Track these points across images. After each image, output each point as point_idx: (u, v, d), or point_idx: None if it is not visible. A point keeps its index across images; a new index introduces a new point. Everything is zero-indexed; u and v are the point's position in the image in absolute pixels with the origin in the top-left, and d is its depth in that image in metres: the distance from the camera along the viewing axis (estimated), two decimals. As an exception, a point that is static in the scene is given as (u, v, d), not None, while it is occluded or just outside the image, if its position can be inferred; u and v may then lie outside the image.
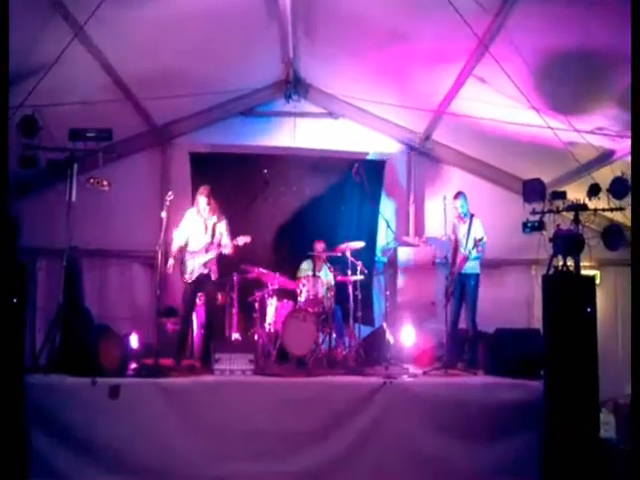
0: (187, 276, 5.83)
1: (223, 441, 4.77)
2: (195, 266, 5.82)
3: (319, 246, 6.80)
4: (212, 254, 5.82)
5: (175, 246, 5.94)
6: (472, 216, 6.34)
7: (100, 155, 5.82)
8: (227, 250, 5.84)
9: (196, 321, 6.57)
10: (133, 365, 5.52)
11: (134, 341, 6.11)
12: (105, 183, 5.85)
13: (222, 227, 5.94)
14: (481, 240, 6.01)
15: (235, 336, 6.21)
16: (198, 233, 5.93)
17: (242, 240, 5.80)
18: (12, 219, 4.78)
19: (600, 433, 4.74)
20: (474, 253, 6.06)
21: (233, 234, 5.97)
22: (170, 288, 7.24)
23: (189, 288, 5.90)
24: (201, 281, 5.87)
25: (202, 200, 5.90)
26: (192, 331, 6.52)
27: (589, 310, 4.79)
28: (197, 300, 6.66)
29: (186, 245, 5.94)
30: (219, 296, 6.22)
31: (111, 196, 6.31)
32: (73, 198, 5.60)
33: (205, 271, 5.84)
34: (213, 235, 5.90)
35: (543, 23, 4.53)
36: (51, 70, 5.10)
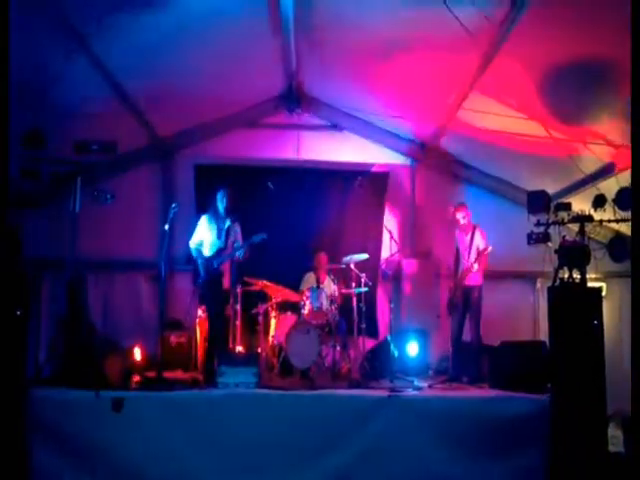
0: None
1: (226, 454, 4.72)
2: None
3: (321, 257, 6.78)
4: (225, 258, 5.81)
5: (192, 245, 5.95)
6: (474, 227, 6.31)
7: (104, 168, 5.85)
8: (240, 254, 5.79)
9: (199, 334, 6.54)
10: (136, 378, 5.48)
11: (137, 354, 6.08)
12: (109, 196, 5.86)
13: (236, 228, 5.92)
14: (484, 251, 5.97)
15: (239, 349, 6.18)
16: (212, 237, 5.91)
17: (258, 237, 5.75)
18: (15, 231, 4.78)
19: (608, 447, 4.67)
20: (476, 266, 6.01)
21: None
22: (174, 300, 7.23)
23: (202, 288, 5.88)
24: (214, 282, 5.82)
25: (221, 201, 5.89)
26: (196, 344, 6.49)
27: (595, 322, 4.74)
28: (202, 313, 6.65)
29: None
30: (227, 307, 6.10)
31: (115, 208, 6.31)
32: (77, 210, 5.60)
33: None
34: (227, 238, 5.88)
35: (547, 34, 4.53)
36: (55, 83, 5.14)
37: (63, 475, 4.51)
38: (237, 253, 5.76)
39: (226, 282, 5.93)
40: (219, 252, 5.84)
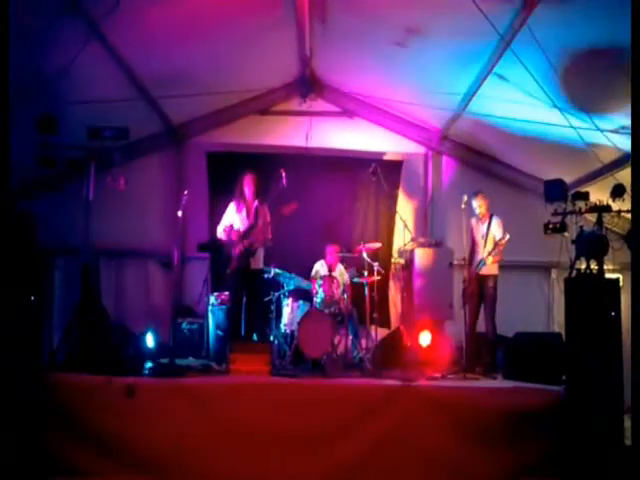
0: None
1: (238, 441, 4.72)
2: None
3: (332, 245, 6.72)
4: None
5: (220, 230, 6.05)
6: (491, 216, 6.21)
7: (117, 154, 5.83)
8: (269, 235, 5.90)
9: (212, 321, 6.55)
10: (149, 364, 5.50)
11: (150, 340, 6.10)
12: (122, 182, 5.84)
13: (265, 209, 6.00)
14: (502, 240, 5.87)
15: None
16: (241, 219, 6.00)
17: (288, 208, 5.78)
18: (29, 217, 4.79)
19: (624, 440, 4.62)
20: (490, 259, 5.93)
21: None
22: (186, 287, 7.26)
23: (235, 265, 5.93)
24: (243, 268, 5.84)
25: (247, 185, 6.03)
26: (208, 331, 6.51)
27: (613, 314, 4.67)
28: (214, 300, 6.66)
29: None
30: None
31: (128, 195, 6.30)
32: (90, 197, 5.60)
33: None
34: (257, 218, 5.93)
35: (567, 19, 4.43)
36: (69, 69, 5.12)
37: (77, 459, 4.55)
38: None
39: (259, 261, 6.01)
40: (249, 230, 5.91)
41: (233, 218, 6.08)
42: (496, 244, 5.89)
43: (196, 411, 4.75)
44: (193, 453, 4.67)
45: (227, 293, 6.24)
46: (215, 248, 6.45)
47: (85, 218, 5.50)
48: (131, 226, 7.19)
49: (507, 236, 5.85)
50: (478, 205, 6.20)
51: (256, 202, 6.03)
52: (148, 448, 4.61)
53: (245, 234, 5.94)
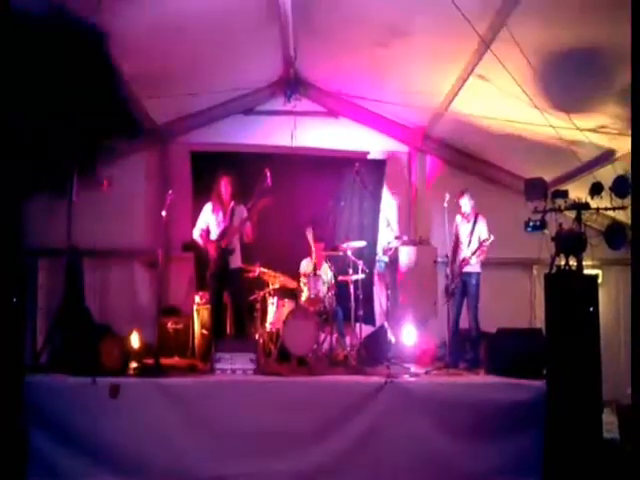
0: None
1: (223, 440, 4.75)
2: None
3: (317, 244, 6.75)
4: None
5: (196, 233, 6.00)
6: (477, 215, 6.27)
7: (100, 154, 5.82)
8: (248, 234, 5.89)
9: (197, 320, 6.55)
10: (134, 365, 5.49)
11: (134, 340, 6.09)
12: (105, 183, 5.83)
13: (241, 210, 5.99)
14: (486, 241, 5.94)
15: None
16: (217, 221, 5.98)
17: (261, 203, 5.79)
18: (15, 218, 4.76)
19: (602, 433, 4.71)
20: (474, 259, 6.00)
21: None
22: (171, 287, 7.25)
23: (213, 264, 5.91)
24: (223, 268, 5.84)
25: (224, 187, 6.00)
26: (193, 330, 6.51)
27: (591, 309, 4.76)
28: (199, 299, 6.66)
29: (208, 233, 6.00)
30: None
31: (111, 195, 6.29)
32: (73, 198, 5.57)
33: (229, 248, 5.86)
34: (232, 218, 5.93)
35: (545, 20, 4.50)
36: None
37: (60, 461, 4.54)
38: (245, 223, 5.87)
39: (238, 260, 5.98)
40: (225, 231, 5.87)
41: (209, 219, 6.03)
42: (481, 244, 5.96)
43: (181, 411, 4.76)
44: (178, 453, 4.68)
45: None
46: (199, 247, 6.44)
47: (68, 219, 5.47)
48: (115, 226, 7.14)
49: (491, 237, 5.93)
50: (464, 204, 6.25)
51: (232, 203, 6.01)
52: (132, 449, 4.61)
53: (221, 236, 5.91)
